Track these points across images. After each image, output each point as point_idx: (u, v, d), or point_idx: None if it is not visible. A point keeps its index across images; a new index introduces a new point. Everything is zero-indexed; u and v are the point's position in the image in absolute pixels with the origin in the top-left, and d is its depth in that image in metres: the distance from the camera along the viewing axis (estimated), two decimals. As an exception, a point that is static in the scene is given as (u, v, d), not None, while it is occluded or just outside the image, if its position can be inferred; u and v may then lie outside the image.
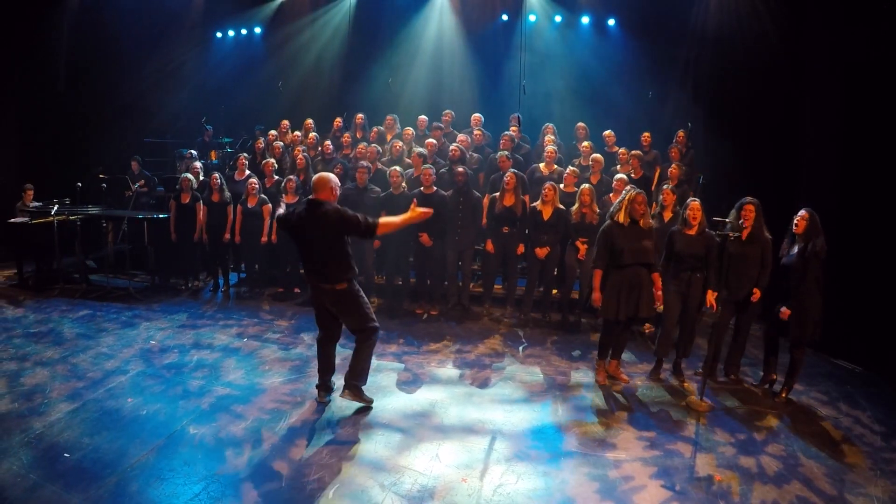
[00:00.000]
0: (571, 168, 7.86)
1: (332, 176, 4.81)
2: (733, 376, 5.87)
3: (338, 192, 4.81)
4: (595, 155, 7.89)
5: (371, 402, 5.06)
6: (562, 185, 7.45)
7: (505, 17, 11.22)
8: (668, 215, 6.44)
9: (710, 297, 5.44)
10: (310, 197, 4.75)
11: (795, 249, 5.26)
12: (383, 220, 4.78)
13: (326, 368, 5.10)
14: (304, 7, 11.72)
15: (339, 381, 5.09)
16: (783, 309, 5.26)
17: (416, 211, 4.68)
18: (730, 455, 4.46)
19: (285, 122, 9.94)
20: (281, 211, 5.15)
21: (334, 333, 5.06)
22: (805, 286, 5.15)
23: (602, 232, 5.49)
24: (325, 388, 5.12)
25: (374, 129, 9.42)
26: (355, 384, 4.94)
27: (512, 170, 7.34)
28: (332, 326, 5.01)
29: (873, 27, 6.22)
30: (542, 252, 7.04)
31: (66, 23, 11.15)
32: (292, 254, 8.31)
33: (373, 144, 8.65)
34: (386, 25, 11.39)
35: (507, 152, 7.95)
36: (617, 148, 8.41)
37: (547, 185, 7.01)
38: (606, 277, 5.44)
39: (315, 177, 4.82)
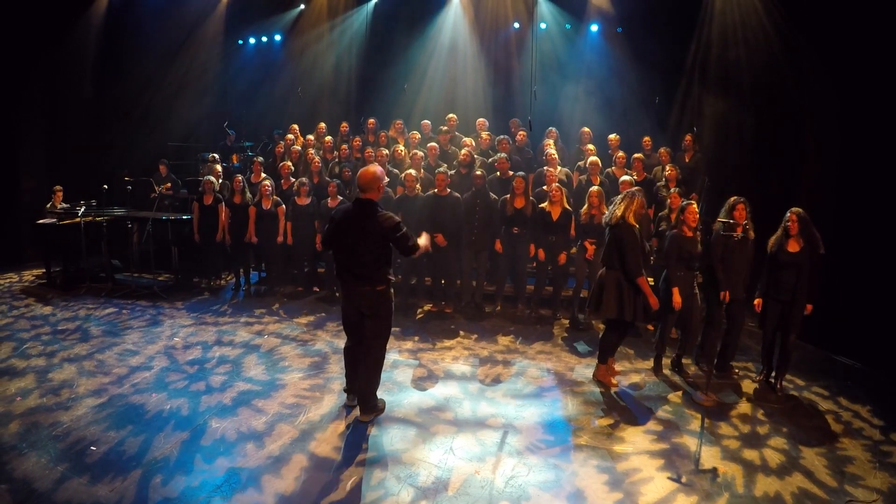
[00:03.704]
0: (562, 168, 8.08)
1: (378, 169, 4.58)
2: (736, 372, 5.97)
3: (384, 188, 4.63)
4: (592, 158, 8.02)
5: (384, 404, 5.05)
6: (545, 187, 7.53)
7: (517, 25, 11.38)
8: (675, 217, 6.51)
9: (726, 296, 5.42)
10: (359, 196, 4.57)
11: (794, 246, 5.36)
12: (421, 242, 4.80)
13: (356, 375, 4.95)
14: (322, 15, 11.92)
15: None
16: (807, 305, 5.34)
17: (426, 243, 4.88)
18: (734, 448, 4.55)
19: (295, 127, 10.17)
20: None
21: (361, 339, 4.85)
22: (806, 282, 5.28)
23: (640, 237, 5.44)
24: (354, 391, 4.98)
25: (382, 133, 9.60)
26: (370, 405, 4.86)
27: (520, 173, 7.47)
28: (359, 332, 4.84)
29: (871, 33, 6.34)
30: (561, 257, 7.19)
31: (92, 31, 11.42)
32: (308, 253, 8.54)
33: (382, 148, 8.83)
34: (402, 33, 11.59)
35: (504, 155, 8.10)
36: (619, 151, 8.52)
37: (554, 186, 7.14)
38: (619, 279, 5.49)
39: (361, 172, 4.55)
